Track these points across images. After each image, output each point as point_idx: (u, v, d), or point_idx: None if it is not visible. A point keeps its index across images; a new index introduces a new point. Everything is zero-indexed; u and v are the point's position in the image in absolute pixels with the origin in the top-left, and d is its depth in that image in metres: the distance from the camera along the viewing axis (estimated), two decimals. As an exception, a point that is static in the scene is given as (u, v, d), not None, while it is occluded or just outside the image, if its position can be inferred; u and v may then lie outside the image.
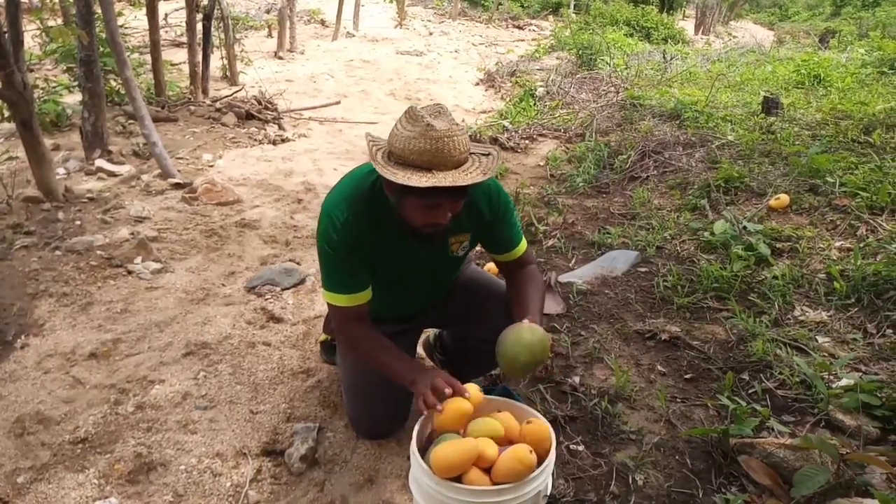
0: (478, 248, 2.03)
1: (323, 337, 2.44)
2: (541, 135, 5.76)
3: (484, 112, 7.22)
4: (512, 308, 1.84)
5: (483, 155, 1.62)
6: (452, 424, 1.53)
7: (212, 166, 4.81)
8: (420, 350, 2.37)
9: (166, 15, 10.21)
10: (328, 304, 1.82)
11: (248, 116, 6.14)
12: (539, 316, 1.77)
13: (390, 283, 1.87)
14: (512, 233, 1.92)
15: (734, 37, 15.32)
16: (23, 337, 2.51)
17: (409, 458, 1.54)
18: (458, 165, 1.53)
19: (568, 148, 5.34)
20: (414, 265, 1.85)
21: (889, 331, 2.42)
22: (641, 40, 12.15)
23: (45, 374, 2.29)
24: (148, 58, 6.38)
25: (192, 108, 6.15)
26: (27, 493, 1.78)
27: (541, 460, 1.45)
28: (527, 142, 5.58)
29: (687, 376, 2.31)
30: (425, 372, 1.67)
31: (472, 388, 1.58)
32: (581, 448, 1.97)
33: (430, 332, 2.41)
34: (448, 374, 1.65)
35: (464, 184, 1.49)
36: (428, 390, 1.56)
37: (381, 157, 1.57)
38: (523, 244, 1.95)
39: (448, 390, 1.55)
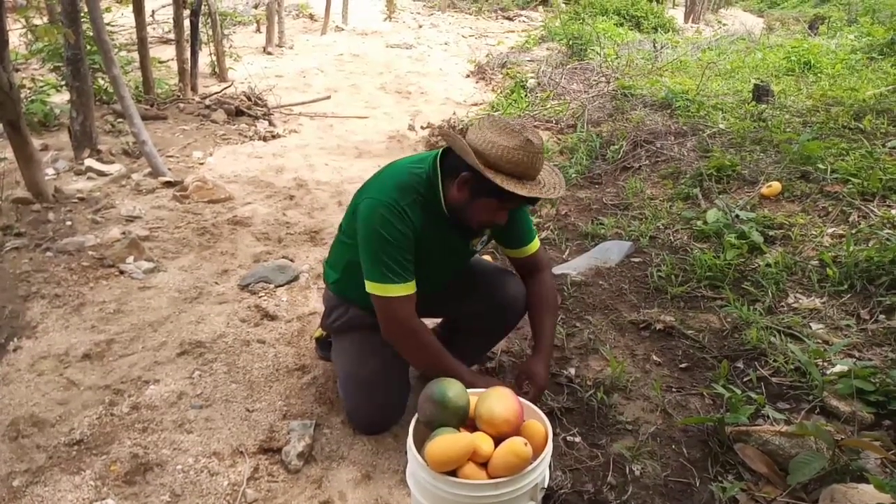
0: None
1: (318, 333, 2.44)
2: (532, 126, 5.74)
3: (475, 104, 7.19)
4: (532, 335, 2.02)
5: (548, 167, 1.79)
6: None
7: (202, 164, 4.79)
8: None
9: (153, 12, 10.12)
10: (377, 296, 1.75)
11: (238, 113, 6.11)
12: (547, 353, 1.94)
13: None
14: (525, 229, 2.00)
15: (724, 24, 15.28)
16: (15, 339, 2.49)
17: (406, 453, 1.54)
18: (536, 175, 1.68)
19: (560, 139, 5.32)
20: (442, 255, 1.91)
21: (882, 316, 2.43)
22: (631, 29, 12.11)
23: (39, 377, 2.28)
24: (135, 55, 6.34)
25: (182, 105, 6.12)
26: (23, 496, 1.77)
27: (537, 453, 1.45)
28: (518, 134, 5.56)
29: (682, 366, 2.32)
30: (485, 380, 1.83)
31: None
32: (578, 439, 1.97)
33: None
34: (510, 390, 1.58)
35: (553, 196, 1.69)
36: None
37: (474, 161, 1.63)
38: (536, 242, 2.03)
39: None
